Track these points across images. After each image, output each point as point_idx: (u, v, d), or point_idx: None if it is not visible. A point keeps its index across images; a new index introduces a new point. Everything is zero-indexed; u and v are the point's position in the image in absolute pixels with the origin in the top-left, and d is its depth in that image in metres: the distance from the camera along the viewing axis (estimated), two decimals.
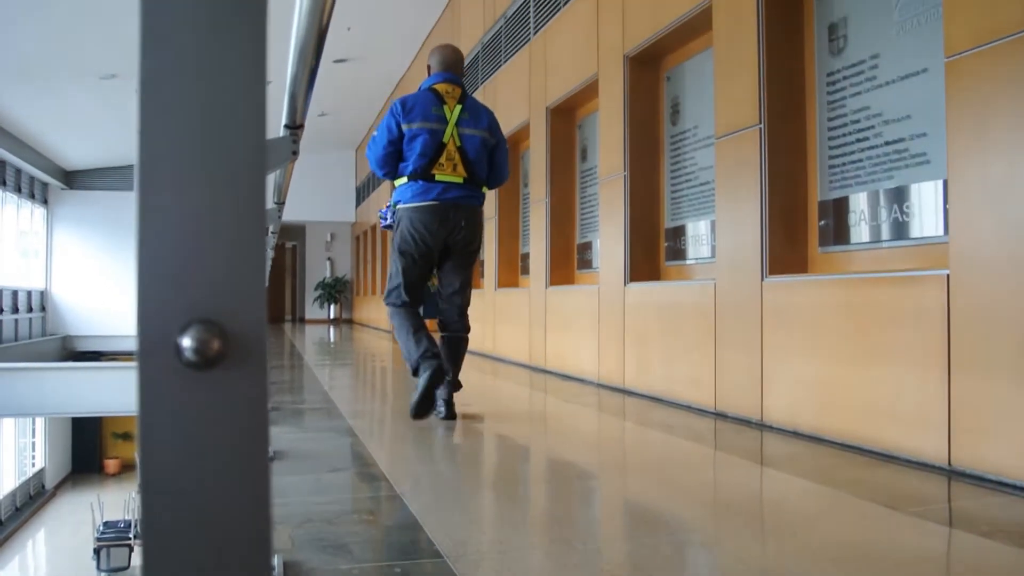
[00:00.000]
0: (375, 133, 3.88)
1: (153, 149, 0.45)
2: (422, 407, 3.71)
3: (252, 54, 0.50)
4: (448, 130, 3.78)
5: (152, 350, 0.44)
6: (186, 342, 0.43)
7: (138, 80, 0.50)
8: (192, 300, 0.44)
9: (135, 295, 0.44)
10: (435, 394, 3.75)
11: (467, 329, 4.02)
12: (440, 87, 3.87)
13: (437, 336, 3.94)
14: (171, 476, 0.44)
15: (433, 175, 3.76)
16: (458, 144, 3.79)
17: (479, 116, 3.90)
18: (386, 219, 4.04)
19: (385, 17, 10.32)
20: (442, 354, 3.84)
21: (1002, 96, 2.59)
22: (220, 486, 0.44)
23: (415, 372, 3.76)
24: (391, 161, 3.81)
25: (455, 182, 3.79)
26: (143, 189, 0.44)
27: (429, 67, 4.00)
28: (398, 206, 3.88)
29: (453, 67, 3.96)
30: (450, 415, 3.90)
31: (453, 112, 3.81)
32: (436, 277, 4.03)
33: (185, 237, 0.44)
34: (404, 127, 3.75)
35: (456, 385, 3.98)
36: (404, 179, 3.81)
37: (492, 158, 3.98)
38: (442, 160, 3.76)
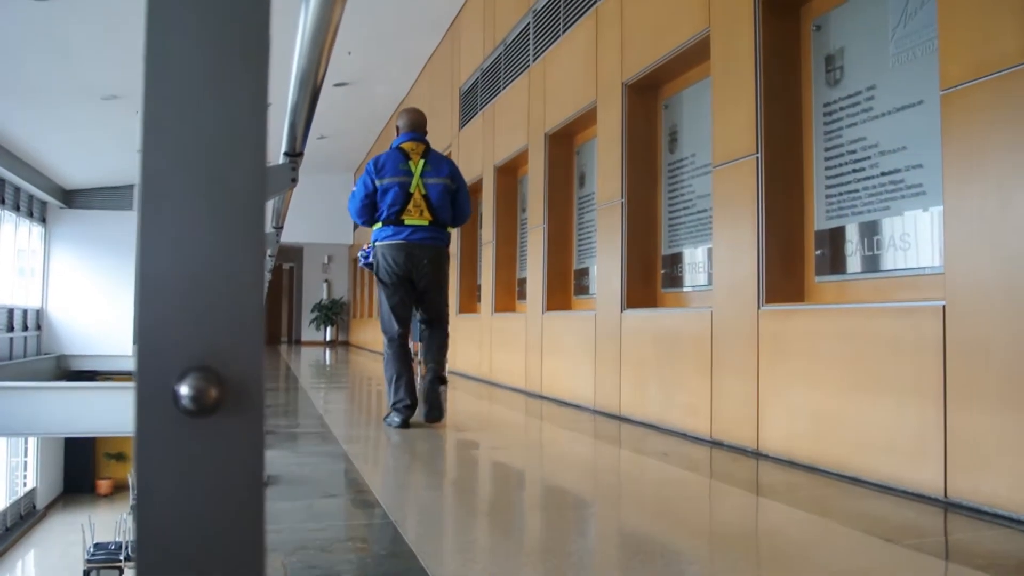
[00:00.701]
0: (354, 189, 4.60)
1: (154, 195, 0.45)
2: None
3: (254, 87, 0.50)
4: (414, 181, 4.49)
5: (150, 397, 0.44)
6: (184, 390, 0.44)
7: (141, 115, 0.50)
8: (190, 347, 0.44)
9: (135, 342, 0.45)
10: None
11: (447, 335, 4.72)
12: (406, 145, 4.59)
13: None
14: (167, 520, 0.43)
15: (403, 220, 4.47)
16: (423, 192, 4.50)
17: (440, 166, 4.60)
18: (365, 258, 4.78)
19: (385, 42, 10.40)
20: (426, 350, 4.64)
21: (997, 129, 2.61)
22: (215, 531, 0.44)
23: (392, 405, 4.57)
24: (367, 211, 4.53)
25: (422, 224, 4.49)
26: (144, 243, 0.44)
27: (398, 128, 4.73)
28: (376, 244, 4.57)
29: (418, 128, 4.70)
30: (434, 417, 4.51)
31: (417, 166, 4.53)
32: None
33: (184, 285, 0.44)
34: (377, 183, 4.48)
35: (441, 380, 4.56)
36: (380, 224, 4.53)
37: (454, 201, 4.64)
38: (410, 207, 4.48)
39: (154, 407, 0.44)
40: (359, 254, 4.88)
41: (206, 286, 0.45)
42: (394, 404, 4.54)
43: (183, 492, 0.44)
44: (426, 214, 4.49)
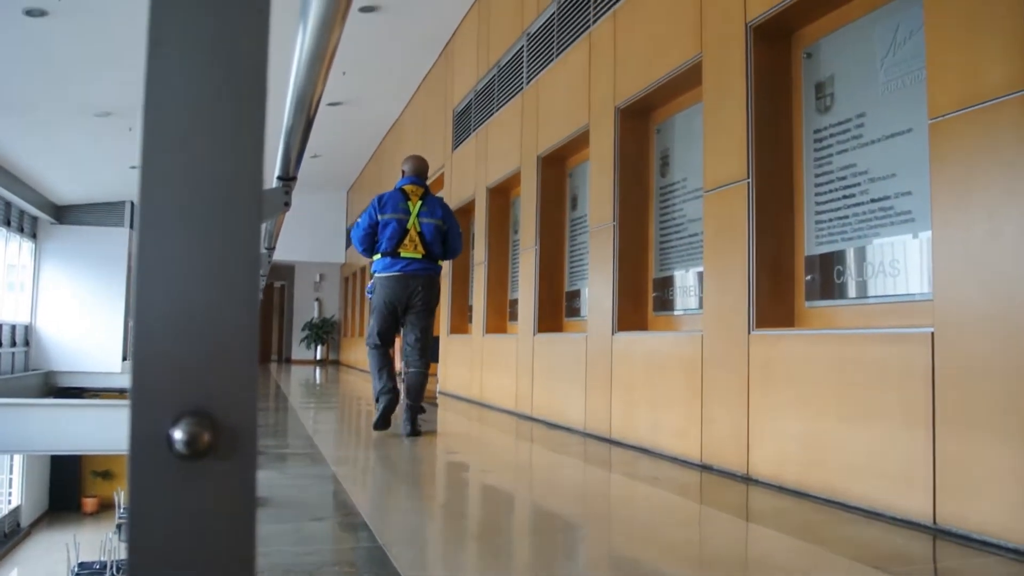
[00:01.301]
0: (359, 220, 5.27)
1: (151, 238, 0.46)
2: (380, 424, 5.14)
3: (251, 124, 0.51)
4: (411, 220, 5.17)
5: (144, 441, 0.44)
6: (177, 434, 0.44)
7: (140, 144, 0.51)
8: (184, 391, 0.44)
9: (130, 386, 0.45)
10: (390, 417, 5.14)
11: (426, 366, 5.31)
12: (407, 188, 5.28)
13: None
14: (159, 563, 0.44)
15: (399, 252, 5.14)
16: (418, 230, 5.17)
17: (434, 208, 5.28)
18: (371, 292, 5.39)
19: (380, 62, 10.45)
20: (406, 386, 5.17)
21: (985, 158, 2.64)
22: (206, 572, 0.44)
23: (376, 400, 5.18)
24: (368, 241, 5.21)
25: (415, 257, 5.16)
26: (140, 286, 0.44)
27: (403, 171, 5.40)
28: (375, 275, 5.23)
29: (419, 174, 5.39)
30: (414, 432, 5.09)
31: (415, 206, 5.21)
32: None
33: (178, 328, 0.44)
34: (379, 217, 5.17)
35: (419, 409, 5.20)
36: (379, 255, 5.19)
37: (446, 239, 5.31)
38: (406, 241, 5.15)
39: (148, 451, 0.44)
40: (367, 288, 5.50)
41: (200, 330, 0.45)
42: (380, 391, 5.17)
43: (175, 534, 0.44)
44: (419, 248, 5.17)
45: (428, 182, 5.47)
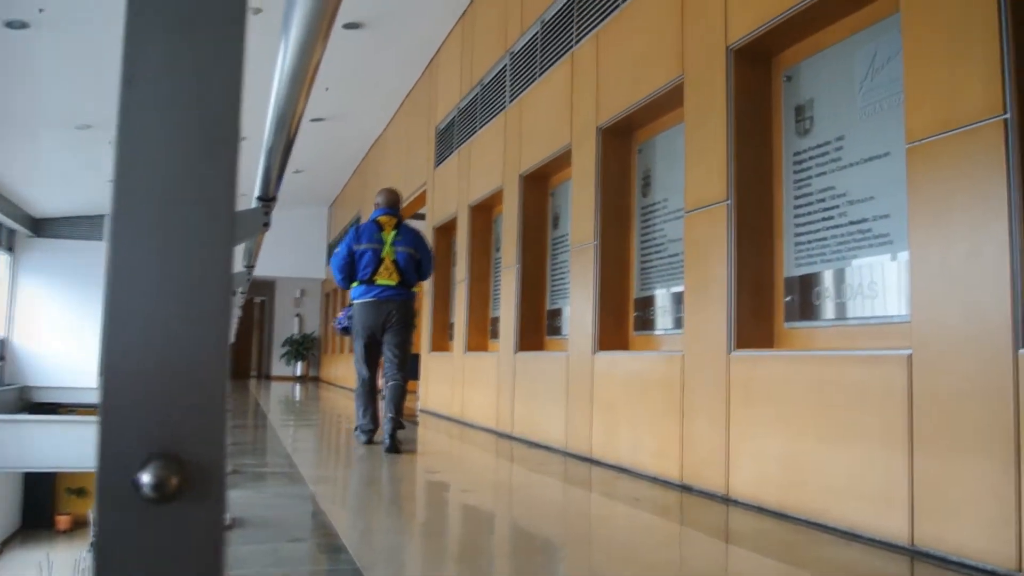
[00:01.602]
0: (337, 250, 5.67)
1: (123, 274, 0.45)
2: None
3: (226, 147, 0.50)
4: (385, 249, 5.56)
5: (111, 486, 0.43)
6: (145, 478, 0.43)
7: (114, 167, 0.50)
8: (152, 434, 0.44)
9: (98, 428, 0.44)
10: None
11: (405, 380, 5.56)
12: (382, 219, 5.66)
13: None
14: None
15: (375, 280, 5.52)
16: (392, 258, 5.55)
17: (407, 238, 5.66)
18: (341, 324, 5.89)
19: (364, 79, 10.47)
20: (386, 400, 5.41)
21: (962, 182, 2.67)
22: None
23: (358, 427, 5.75)
24: (347, 268, 5.59)
25: (390, 284, 5.54)
26: (110, 324, 0.44)
27: (377, 204, 5.78)
28: (353, 302, 5.65)
29: (392, 205, 5.77)
30: (393, 449, 5.20)
31: (389, 236, 5.60)
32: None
33: (146, 370, 0.44)
34: (355, 247, 5.56)
35: (399, 424, 5.31)
36: (356, 283, 5.58)
37: (419, 265, 5.71)
38: (381, 269, 5.53)
39: (115, 495, 0.43)
40: (334, 322, 5.92)
41: (168, 370, 0.44)
42: (360, 426, 5.69)
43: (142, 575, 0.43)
44: (394, 276, 5.54)
45: (410, 199, 5.70)
